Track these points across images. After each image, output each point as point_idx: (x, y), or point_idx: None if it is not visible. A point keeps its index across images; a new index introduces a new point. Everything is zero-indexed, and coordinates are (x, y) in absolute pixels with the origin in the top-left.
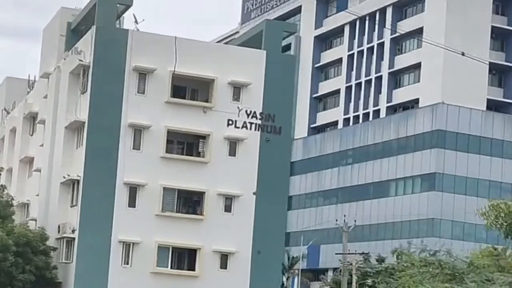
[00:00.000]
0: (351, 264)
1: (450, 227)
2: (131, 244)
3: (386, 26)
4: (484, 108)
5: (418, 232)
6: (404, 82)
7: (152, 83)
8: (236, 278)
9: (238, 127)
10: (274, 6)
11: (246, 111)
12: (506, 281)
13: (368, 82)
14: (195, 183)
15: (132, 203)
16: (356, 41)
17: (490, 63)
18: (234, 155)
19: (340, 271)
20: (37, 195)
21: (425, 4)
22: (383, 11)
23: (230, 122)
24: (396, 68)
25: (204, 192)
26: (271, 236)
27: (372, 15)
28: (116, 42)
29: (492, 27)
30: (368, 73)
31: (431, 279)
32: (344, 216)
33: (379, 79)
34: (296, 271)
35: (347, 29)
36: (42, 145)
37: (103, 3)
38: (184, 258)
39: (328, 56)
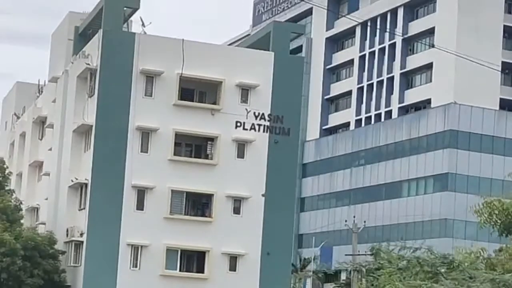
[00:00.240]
0: (361, 265)
1: (463, 227)
2: (140, 247)
3: (397, 27)
4: (497, 108)
5: (431, 233)
6: (416, 82)
7: (160, 86)
8: (245, 280)
9: (246, 129)
10: (285, 8)
11: (254, 113)
12: (487, 278)
13: (380, 83)
14: (203, 186)
15: (140, 206)
16: (367, 42)
17: (503, 63)
18: (243, 157)
19: (350, 272)
20: (46, 199)
21: (437, 4)
22: (394, 11)
23: (238, 124)
24: (407, 68)
25: (212, 194)
26: (280, 238)
27: (383, 16)
28: (123, 45)
29: (504, 26)
30: (379, 74)
31: (412, 277)
32: (354, 217)
33: (390, 79)
34: (309, 273)
35: (358, 30)
36: (50, 149)
37: (110, 6)
38: (193, 260)
39: (339, 58)
